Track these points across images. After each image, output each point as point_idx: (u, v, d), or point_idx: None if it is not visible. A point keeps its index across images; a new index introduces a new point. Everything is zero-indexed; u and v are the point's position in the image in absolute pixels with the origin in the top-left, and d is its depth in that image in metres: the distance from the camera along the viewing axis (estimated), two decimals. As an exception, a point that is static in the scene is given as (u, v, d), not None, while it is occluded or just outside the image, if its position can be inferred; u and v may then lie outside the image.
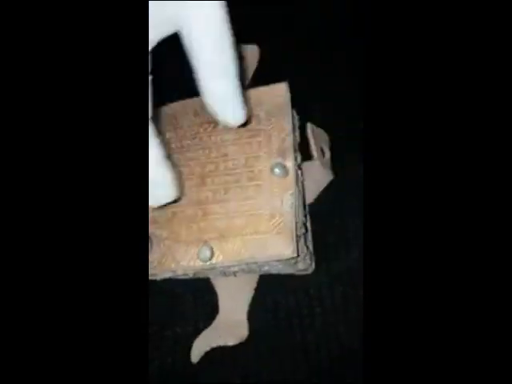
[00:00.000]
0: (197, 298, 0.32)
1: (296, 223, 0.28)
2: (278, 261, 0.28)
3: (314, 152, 0.31)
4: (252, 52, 0.37)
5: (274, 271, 0.30)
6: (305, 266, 0.31)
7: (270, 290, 0.32)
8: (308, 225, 0.33)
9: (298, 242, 0.28)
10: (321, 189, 0.33)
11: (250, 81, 0.37)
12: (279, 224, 0.28)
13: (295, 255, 0.27)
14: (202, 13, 0.20)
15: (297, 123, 0.33)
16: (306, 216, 0.31)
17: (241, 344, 0.30)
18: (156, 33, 0.21)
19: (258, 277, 0.32)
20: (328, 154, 0.33)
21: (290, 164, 0.30)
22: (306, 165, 0.33)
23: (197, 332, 0.30)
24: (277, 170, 0.29)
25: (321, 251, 0.33)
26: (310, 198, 0.34)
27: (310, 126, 0.32)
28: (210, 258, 0.27)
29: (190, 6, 0.20)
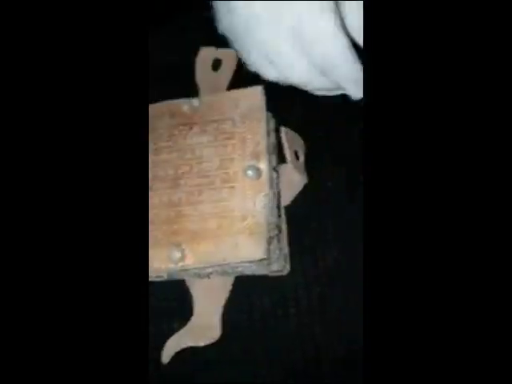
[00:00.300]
0: (172, 299, 0.32)
1: (268, 225, 0.28)
2: (251, 262, 0.28)
3: (288, 155, 0.32)
4: (229, 56, 0.37)
5: (247, 272, 0.30)
6: (279, 267, 0.31)
7: (246, 291, 0.32)
8: (284, 226, 0.33)
9: (270, 243, 0.29)
10: (296, 191, 0.34)
11: (228, 84, 0.37)
12: (251, 225, 0.28)
13: (266, 256, 0.27)
14: None
15: (273, 126, 0.34)
16: (280, 217, 0.31)
17: (214, 345, 0.30)
18: None
19: (233, 278, 0.32)
20: (302, 158, 0.33)
21: (263, 166, 0.30)
22: (281, 168, 0.33)
23: (171, 333, 0.30)
24: (250, 172, 0.29)
25: (297, 252, 0.33)
26: (286, 201, 0.34)
27: (284, 130, 0.32)
28: (181, 260, 0.27)
29: None
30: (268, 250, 0.28)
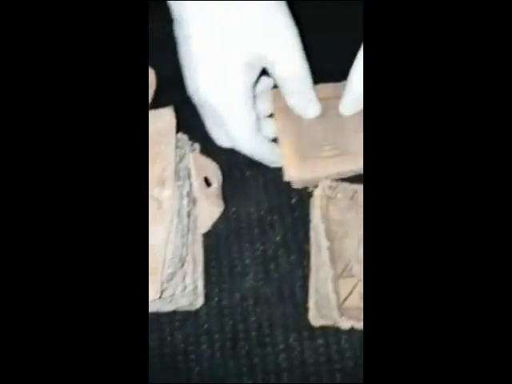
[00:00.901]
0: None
1: (169, 259, 0.27)
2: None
3: (195, 182, 0.30)
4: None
5: (152, 310, 0.28)
6: (187, 302, 0.29)
7: (157, 326, 0.30)
8: (200, 256, 0.31)
9: (170, 279, 0.27)
10: (212, 219, 0.32)
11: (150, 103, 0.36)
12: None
13: (158, 296, 0.25)
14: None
15: (188, 149, 0.32)
16: (187, 249, 0.29)
17: None
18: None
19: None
20: (215, 185, 0.31)
21: (166, 195, 0.28)
22: (199, 195, 0.31)
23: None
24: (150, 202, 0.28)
25: (214, 283, 0.31)
26: (203, 228, 0.32)
27: (192, 156, 0.30)
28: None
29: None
30: (162, 288, 0.26)
